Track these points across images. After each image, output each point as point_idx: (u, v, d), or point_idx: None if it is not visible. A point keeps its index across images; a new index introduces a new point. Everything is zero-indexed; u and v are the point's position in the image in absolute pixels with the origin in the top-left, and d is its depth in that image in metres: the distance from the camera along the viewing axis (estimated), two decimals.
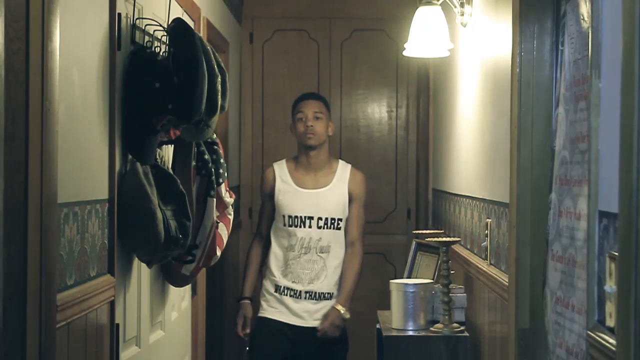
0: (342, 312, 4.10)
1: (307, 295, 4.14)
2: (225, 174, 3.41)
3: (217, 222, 3.37)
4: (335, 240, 4.19)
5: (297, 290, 4.15)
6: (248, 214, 6.01)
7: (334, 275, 4.18)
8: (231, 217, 3.54)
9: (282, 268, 4.18)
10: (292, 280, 4.15)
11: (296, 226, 4.16)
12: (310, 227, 4.15)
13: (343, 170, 4.26)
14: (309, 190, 4.20)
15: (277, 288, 4.18)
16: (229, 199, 3.47)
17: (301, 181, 4.23)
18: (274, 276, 4.19)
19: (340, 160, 4.32)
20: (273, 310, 4.18)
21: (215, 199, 3.28)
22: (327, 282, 4.16)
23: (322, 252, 4.16)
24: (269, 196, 4.26)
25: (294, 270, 4.15)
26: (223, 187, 3.39)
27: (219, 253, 3.35)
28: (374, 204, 6.03)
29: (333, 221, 4.17)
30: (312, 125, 4.18)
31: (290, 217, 4.18)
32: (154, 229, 2.67)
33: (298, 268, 4.15)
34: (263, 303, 4.23)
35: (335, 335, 4.13)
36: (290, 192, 4.19)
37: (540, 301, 2.74)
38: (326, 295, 4.17)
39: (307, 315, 4.15)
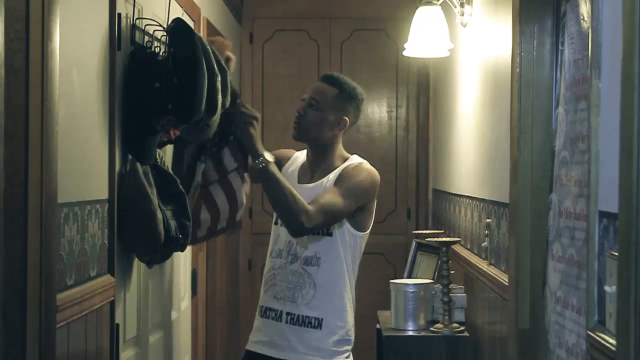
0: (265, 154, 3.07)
1: (289, 318, 3.14)
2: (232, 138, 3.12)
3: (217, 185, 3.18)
4: (327, 250, 3.14)
5: (277, 311, 3.16)
6: (248, 214, 6.01)
7: (326, 296, 3.13)
8: (235, 182, 3.16)
9: (266, 278, 3.24)
10: (274, 296, 3.18)
11: (283, 225, 3.17)
12: None
13: (343, 165, 3.20)
14: (304, 185, 3.21)
15: (260, 310, 3.24)
16: (232, 163, 3.14)
17: (302, 173, 3.29)
18: (261, 292, 3.30)
19: (351, 156, 3.26)
20: (255, 340, 3.26)
21: (204, 165, 3.11)
22: (315, 304, 3.12)
23: (308, 265, 3.13)
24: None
25: (278, 282, 3.19)
26: (227, 152, 3.15)
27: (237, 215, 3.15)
28: None
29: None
30: (300, 112, 3.21)
31: None
32: (154, 229, 2.67)
33: (283, 280, 3.18)
34: (251, 333, 3.33)
35: (242, 130, 3.06)
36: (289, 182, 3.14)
37: (540, 301, 2.74)
38: (312, 321, 3.12)
39: (287, 345, 3.14)
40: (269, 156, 3.05)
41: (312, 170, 3.25)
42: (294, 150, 3.41)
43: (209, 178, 3.15)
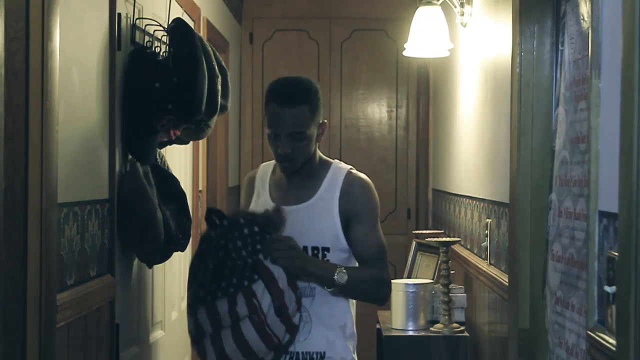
0: (339, 270, 2.62)
1: (288, 357, 2.72)
2: None
3: None
4: None
5: None
6: None
7: (325, 329, 2.74)
8: (248, 332, 2.60)
9: None
10: None
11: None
12: None
13: (334, 178, 2.77)
14: (288, 208, 2.69)
15: None
16: (245, 310, 2.58)
17: (278, 193, 2.80)
18: None
19: (334, 163, 2.83)
20: None
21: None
22: (313, 339, 2.73)
23: (302, 296, 2.69)
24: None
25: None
26: (241, 298, 2.58)
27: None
28: None
29: (316, 252, 2.71)
30: (288, 153, 2.69)
31: None
32: (154, 229, 2.67)
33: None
34: None
35: (287, 260, 2.57)
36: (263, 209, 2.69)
37: (540, 301, 2.74)
38: (315, 356, 2.75)
39: None
40: (339, 272, 2.65)
41: (292, 186, 2.80)
42: (251, 172, 2.94)
43: (222, 322, 2.58)
